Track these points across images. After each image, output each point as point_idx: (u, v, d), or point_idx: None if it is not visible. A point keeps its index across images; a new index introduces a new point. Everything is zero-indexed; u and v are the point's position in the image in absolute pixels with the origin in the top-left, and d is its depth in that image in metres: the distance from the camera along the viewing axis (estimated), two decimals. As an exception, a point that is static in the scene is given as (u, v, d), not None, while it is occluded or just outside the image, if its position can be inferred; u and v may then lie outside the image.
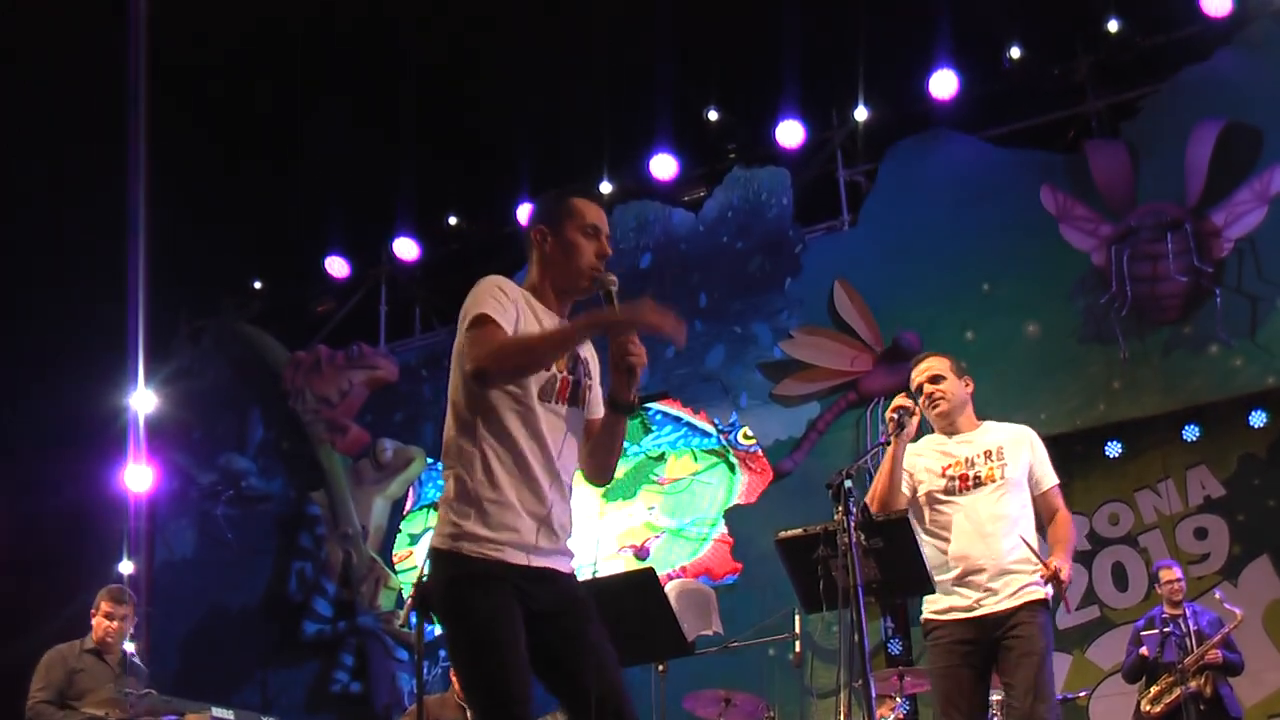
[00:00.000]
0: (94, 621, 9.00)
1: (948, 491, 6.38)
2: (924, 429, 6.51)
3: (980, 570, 6.17)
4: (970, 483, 6.34)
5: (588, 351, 4.66)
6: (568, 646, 4.39)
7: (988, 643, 6.17)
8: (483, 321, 4.34)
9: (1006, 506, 6.27)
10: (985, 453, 6.41)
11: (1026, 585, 6.18)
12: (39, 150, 13.82)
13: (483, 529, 4.34)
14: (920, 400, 6.49)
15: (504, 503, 4.37)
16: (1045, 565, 6.10)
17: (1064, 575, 6.09)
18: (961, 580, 6.23)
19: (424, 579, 4.52)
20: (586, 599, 4.51)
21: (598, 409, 4.64)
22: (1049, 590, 6.21)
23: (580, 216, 4.65)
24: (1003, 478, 6.32)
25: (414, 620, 6.68)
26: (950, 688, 6.23)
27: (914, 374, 6.64)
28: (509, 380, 4.38)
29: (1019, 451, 6.42)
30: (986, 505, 6.26)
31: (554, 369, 4.49)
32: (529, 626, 4.33)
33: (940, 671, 6.30)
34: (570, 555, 4.53)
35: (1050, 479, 6.49)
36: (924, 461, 6.49)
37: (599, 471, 4.68)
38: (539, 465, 4.42)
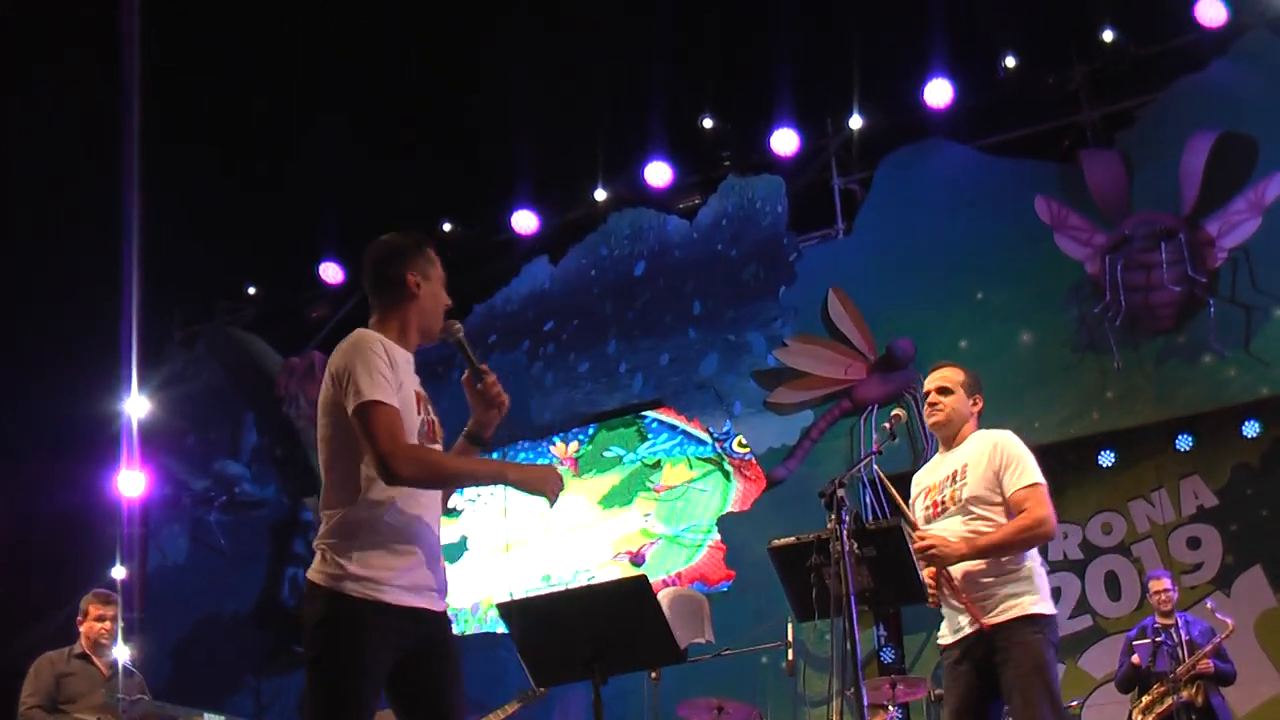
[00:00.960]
0: (83, 627, 9.01)
1: (926, 521, 6.40)
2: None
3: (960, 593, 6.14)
4: (939, 509, 6.32)
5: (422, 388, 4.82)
6: (429, 688, 4.58)
7: (983, 662, 6.12)
8: (384, 412, 4.45)
9: (974, 526, 6.20)
10: (952, 474, 6.38)
11: (1009, 601, 6.11)
12: (34, 156, 13.80)
13: (364, 569, 4.45)
14: (926, 407, 6.50)
15: (409, 551, 4.54)
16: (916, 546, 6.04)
17: (937, 550, 6.02)
18: (949, 604, 6.23)
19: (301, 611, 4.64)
20: (452, 640, 4.73)
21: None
22: (1037, 606, 6.15)
23: (439, 268, 4.95)
24: (960, 499, 6.27)
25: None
26: (950, 707, 6.23)
27: (928, 379, 6.63)
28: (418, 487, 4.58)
29: (980, 464, 6.32)
30: (952, 530, 6.20)
31: (424, 413, 4.70)
32: (402, 662, 4.51)
33: (946, 691, 6.30)
34: (443, 594, 4.69)
35: (1016, 481, 6.27)
36: (916, 488, 6.51)
37: (446, 499, 4.87)
38: (423, 508, 4.60)
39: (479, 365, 4.86)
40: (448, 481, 4.68)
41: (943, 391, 6.48)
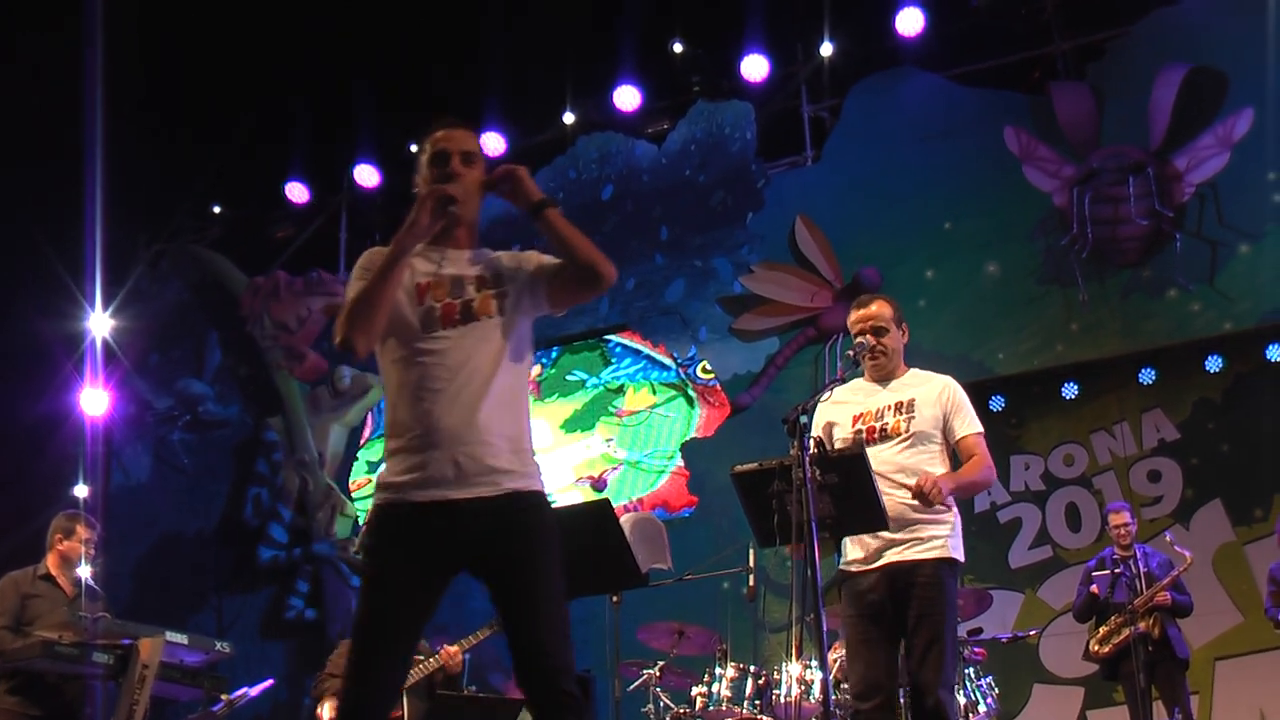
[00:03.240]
0: (62, 546, 8.96)
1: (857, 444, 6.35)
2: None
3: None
4: (876, 435, 6.29)
5: (473, 266, 4.70)
6: (496, 584, 4.43)
7: (891, 595, 6.11)
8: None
9: (912, 459, 6.21)
10: (897, 404, 6.34)
11: (934, 541, 6.13)
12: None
13: (388, 475, 4.47)
14: (855, 344, 6.44)
15: (403, 448, 4.46)
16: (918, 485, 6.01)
17: (927, 486, 5.95)
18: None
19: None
20: (522, 526, 4.46)
21: (529, 296, 4.70)
22: (956, 551, 6.18)
23: (427, 150, 4.74)
24: (908, 431, 6.26)
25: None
26: (852, 637, 6.22)
27: (856, 315, 6.54)
28: (366, 334, 4.52)
29: (931, 404, 6.33)
30: (890, 457, 6.19)
31: (428, 300, 4.57)
32: (464, 563, 4.44)
33: (845, 620, 6.29)
34: (496, 477, 4.45)
35: (966, 428, 6.31)
36: (841, 410, 6.47)
37: (580, 272, 4.64)
38: (429, 402, 4.45)
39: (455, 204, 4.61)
40: (354, 306, 4.47)
41: (878, 332, 6.45)
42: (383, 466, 4.54)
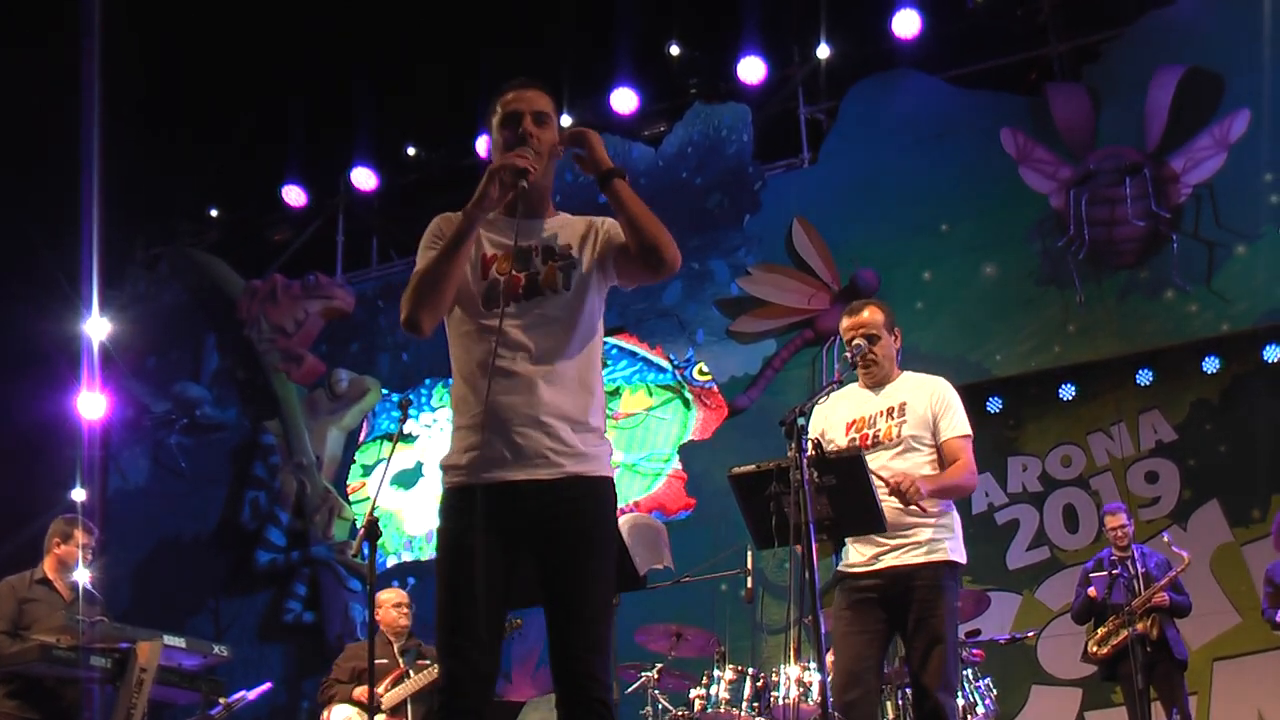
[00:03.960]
0: (59, 550, 8.93)
1: None
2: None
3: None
4: (870, 441, 6.29)
5: (543, 237, 4.56)
6: (545, 572, 4.30)
7: (888, 597, 6.12)
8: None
9: (907, 464, 6.20)
10: (889, 409, 6.35)
11: (934, 544, 6.13)
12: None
13: (451, 456, 4.37)
14: (850, 349, 6.41)
15: (465, 426, 4.35)
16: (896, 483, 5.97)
17: (905, 484, 5.90)
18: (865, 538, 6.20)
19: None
20: (578, 512, 4.31)
21: (598, 269, 4.58)
22: (956, 554, 6.19)
23: (498, 114, 4.59)
24: (899, 436, 6.26)
25: (366, 551, 6.68)
26: (838, 628, 6.22)
27: (848, 322, 6.51)
28: (432, 312, 4.34)
29: (920, 407, 6.32)
30: (884, 464, 6.17)
31: (492, 273, 4.42)
32: (517, 543, 4.29)
33: (835, 614, 6.28)
34: (557, 459, 4.31)
35: (953, 429, 6.28)
36: (834, 417, 6.46)
37: (644, 252, 4.44)
38: (490, 380, 4.29)
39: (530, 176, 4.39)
40: (432, 278, 4.29)
41: (871, 340, 6.43)
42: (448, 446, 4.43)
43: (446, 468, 4.39)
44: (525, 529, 4.27)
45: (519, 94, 4.58)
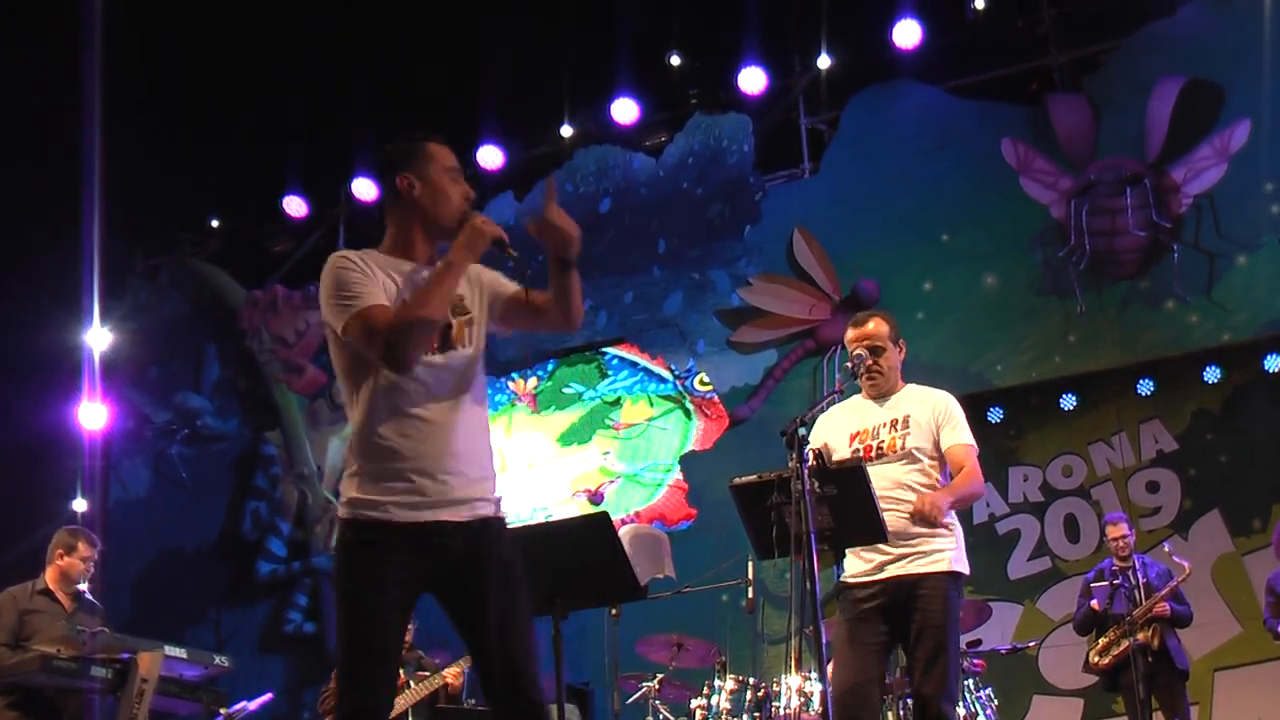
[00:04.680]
0: (63, 562, 8.91)
1: None
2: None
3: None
4: (873, 453, 6.28)
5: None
6: (469, 606, 4.43)
7: (890, 607, 6.11)
8: (362, 313, 4.34)
9: (910, 476, 6.20)
10: (892, 421, 6.33)
11: (936, 554, 6.12)
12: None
13: (364, 493, 4.41)
14: (851, 359, 6.39)
15: (381, 469, 4.41)
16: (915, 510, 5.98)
17: (926, 507, 5.93)
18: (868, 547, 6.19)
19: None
20: (495, 549, 4.47)
21: (490, 319, 4.71)
22: (959, 564, 6.17)
23: (441, 160, 4.70)
24: (903, 448, 6.25)
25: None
26: (838, 637, 6.21)
27: (853, 334, 6.49)
28: (422, 348, 4.39)
29: (924, 419, 6.31)
30: (887, 475, 6.17)
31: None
32: (437, 580, 4.45)
33: (836, 624, 6.26)
34: (472, 502, 4.48)
35: (956, 438, 6.27)
36: (836, 428, 6.46)
37: (561, 320, 4.64)
38: (428, 416, 4.43)
39: (508, 250, 4.61)
40: (424, 311, 4.31)
41: (875, 352, 6.42)
42: (348, 483, 4.47)
43: (359, 503, 4.44)
44: (439, 567, 4.45)
45: (452, 154, 4.81)
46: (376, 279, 4.43)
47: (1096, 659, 10.41)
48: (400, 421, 4.39)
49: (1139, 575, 10.30)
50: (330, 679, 10.19)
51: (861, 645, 6.11)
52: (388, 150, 4.74)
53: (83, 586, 9.06)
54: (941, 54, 14.10)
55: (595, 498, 14.27)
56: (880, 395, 6.46)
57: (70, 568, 8.90)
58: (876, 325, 6.48)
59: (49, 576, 8.88)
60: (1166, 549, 10.68)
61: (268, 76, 15.12)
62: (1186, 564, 10.31)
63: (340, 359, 4.50)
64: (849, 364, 6.31)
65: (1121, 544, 10.50)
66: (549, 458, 14.63)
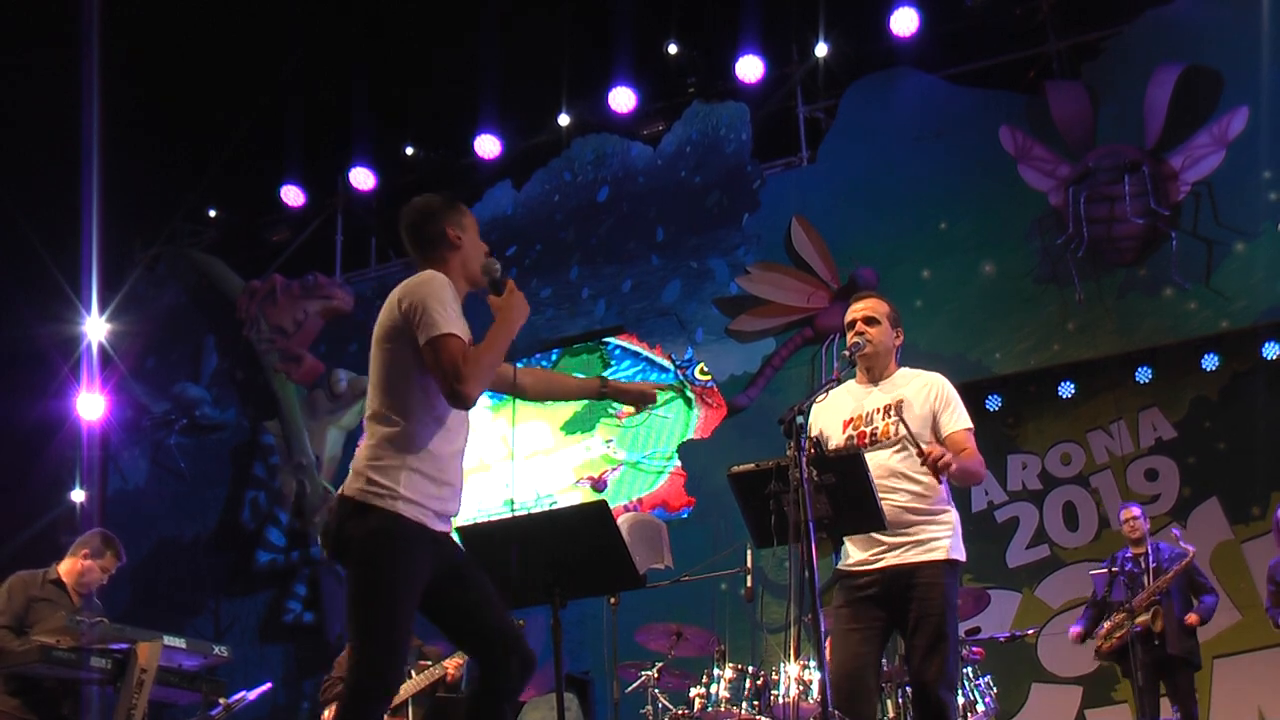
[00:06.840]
0: (85, 564, 8.85)
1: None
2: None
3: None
4: (867, 439, 6.26)
5: None
6: (458, 592, 5.00)
7: (888, 596, 6.09)
8: (456, 344, 4.81)
9: (903, 464, 6.16)
10: (885, 407, 6.27)
11: (933, 542, 6.10)
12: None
13: (414, 494, 4.86)
14: (849, 346, 6.37)
15: (433, 477, 4.92)
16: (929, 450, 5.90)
17: (938, 452, 5.81)
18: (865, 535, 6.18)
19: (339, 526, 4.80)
20: (466, 556, 5.20)
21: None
22: (956, 552, 6.16)
23: (471, 217, 5.29)
24: (897, 434, 6.20)
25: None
26: (835, 626, 6.19)
27: (851, 308, 6.50)
28: (481, 393, 4.96)
29: (919, 403, 6.26)
30: (882, 462, 6.12)
31: None
32: (434, 583, 4.93)
33: (834, 612, 6.25)
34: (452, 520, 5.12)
35: (954, 424, 6.23)
36: (832, 414, 6.44)
37: (523, 397, 5.57)
38: (459, 444, 5.09)
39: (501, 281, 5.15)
40: (495, 359, 4.92)
41: (870, 321, 6.40)
42: (390, 473, 4.84)
43: (408, 500, 4.90)
44: (442, 570, 5.04)
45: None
46: (461, 317, 4.91)
47: (1102, 643, 10.42)
48: (444, 439, 4.97)
49: (1150, 560, 10.30)
50: (333, 667, 10.20)
51: (858, 631, 6.10)
52: (430, 201, 5.26)
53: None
54: (939, 41, 14.10)
55: (599, 485, 14.30)
56: (873, 377, 6.43)
57: (88, 572, 8.82)
58: (876, 301, 6.47)
59: (64, 569, 8.80)
60: (1175, 533, 10.66)
61: (265, 69, 15.12)
62: (1191, 548, 10.32)
63: (397, 361, 4.97)
64: (846, 351, 6.29)
65: (1132, 525, 10.50)
66: (553, 446, 14.66)
